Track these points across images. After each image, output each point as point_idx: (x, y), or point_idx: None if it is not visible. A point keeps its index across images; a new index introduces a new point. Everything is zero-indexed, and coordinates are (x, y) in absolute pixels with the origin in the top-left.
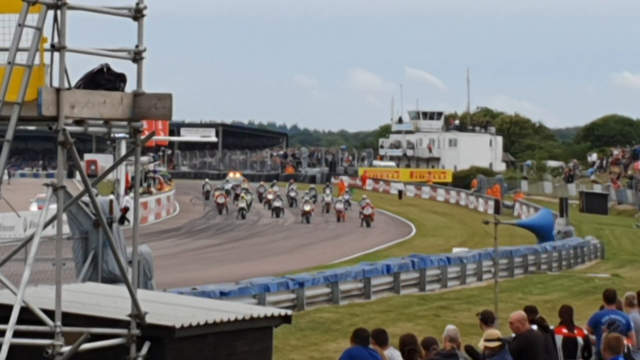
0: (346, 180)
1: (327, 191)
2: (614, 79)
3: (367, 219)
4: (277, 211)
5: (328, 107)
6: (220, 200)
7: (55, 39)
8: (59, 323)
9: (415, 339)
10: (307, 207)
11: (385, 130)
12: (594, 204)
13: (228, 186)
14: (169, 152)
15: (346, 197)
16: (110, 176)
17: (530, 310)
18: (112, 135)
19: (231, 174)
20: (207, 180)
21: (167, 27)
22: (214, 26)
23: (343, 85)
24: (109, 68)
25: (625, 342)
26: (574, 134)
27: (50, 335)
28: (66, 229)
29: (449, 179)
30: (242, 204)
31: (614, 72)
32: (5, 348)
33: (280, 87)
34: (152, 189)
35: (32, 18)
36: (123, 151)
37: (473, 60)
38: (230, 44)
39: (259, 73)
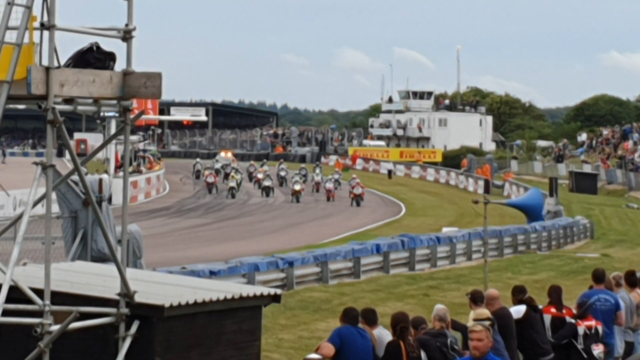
0: (336, 160)
1: (317, 170)
2: (602, 59)
3: (357, 199)
4: (267, 190)
5: (317, 87)
6: (210, 179)
7: (45, 18)
8: (47, 302)
9: (407, 317)
10: (297, 187)
11: (375, 110)
12: (584, 183)
13: (218, 165)
14: (159, 131)
15: (336, 176)
16: (100, 155)
17: (519, 290)
18: (101, 114)
19: (222, 153)
20: (197, 159)
21: (157, 6)
22: (204, 5)
23: (331, 64)
24: (98, 47)
25: (580, 325)
26: (563, 113)
27: (39, 314)
28: (55, 207)
29: (438, 158)
30: (232, 183)
31: (601, 52)
32: None
33: (271, 67)
34: (142, 168)
35: None
36: (113, 130)
37: (461, 39)
38: (221, 23)
39: (249, 52)
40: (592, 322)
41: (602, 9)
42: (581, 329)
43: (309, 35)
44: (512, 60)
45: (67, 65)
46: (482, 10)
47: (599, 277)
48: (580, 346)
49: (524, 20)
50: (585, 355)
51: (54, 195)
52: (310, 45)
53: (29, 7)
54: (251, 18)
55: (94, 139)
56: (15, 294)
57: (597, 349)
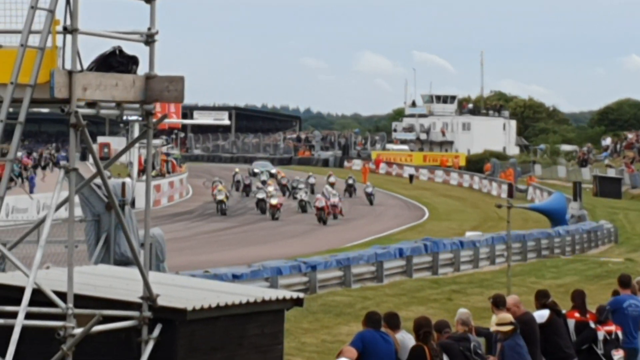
0: (359, 163)
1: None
2: (623, 62)
3: (320, 213)
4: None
5: (339, 91)
6: (220, 197)
7: (68, 22)
8: (70, 305)
9: (430, 321)
10: (274, 201)
11: (398, 114)
12: (608, 188)
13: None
14: (182, 135)
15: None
16: (123, 159)
17: (542, 295)
18: (124, 117)
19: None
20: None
21: (180, 10)
22: (226, 9)
23: (352, 68)
24: (121, 50)
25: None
26: (587, 117)
27: (62, 317)
28: (78, 211)
29: (462, 162)
30: (221, 196)
31: (622, 56)
32: (17, 330)
33: (294, 71)
34: (165, 172)
35: (45, 0)
36: (136, 134)
37: (481, 43)
38: (243, 27)
39: (272, 56)
40: (612, 327)
41: (621, 13)
42: (601, 334)
43: (328, 39)
44: (533, 64)
45: (89, 69)
46: (501, 14)
47: (625, 282)
48: (600, 351)
49: (543, 24)
50: None
51: (76, 199)
52: (330, 49)
53: (52, 11)
54: (273, 22)
55: (117, 143)
56: (38, 297)
57: (617, 355)
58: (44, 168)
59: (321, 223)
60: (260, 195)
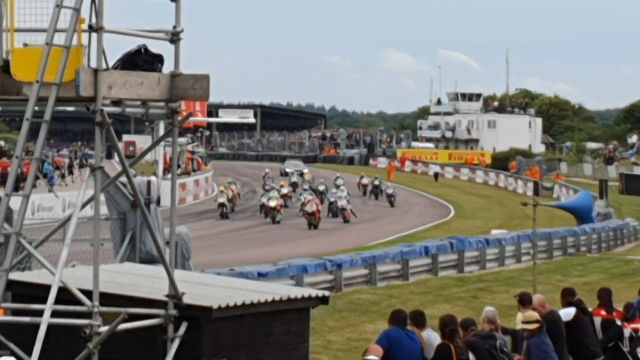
0: (384, 161)
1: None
2: None
3: (310, 218)
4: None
5: (364, 89)
6: (222, 199)
7: (93, 20)
8: (96, 303)
9: (456, 319)
10: (272, 203)
11: (423, 112)
12: (634, 185)
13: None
14: (207, 133)
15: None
16: (149, 157)
17: (568, 292)
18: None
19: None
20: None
21: (205, 8)
22: (251, 7)
23: (377, 66)
24: (146, 49)
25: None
26: (613, 115)
27: (88, 315)
28: (104, 209)
29: (488, 160)
30: (222, 199)
31: None
32: (43, 328)
33: (319, 69)
34: (190, 170)
35: None
36: (161, 132)
37: (505, 41)
38: (268, 25)
39: (298, 54)
40: (639, 325)
41: None
42: (627, 332)
43: (352, 37)
44: (558, 62)
45: (115, 67)
46: (526, 11)
47: None
48: (626, 349)
49: (569, 22)
50: (630, 358)
51: (102, 197)
52: (355, 47)
53: (77, 10)
54: (297, 20)
55: (142, 141)
56: (64, 295)
57: None
58: (81, 167)
59: (311, 228)
60: (264, 199)
